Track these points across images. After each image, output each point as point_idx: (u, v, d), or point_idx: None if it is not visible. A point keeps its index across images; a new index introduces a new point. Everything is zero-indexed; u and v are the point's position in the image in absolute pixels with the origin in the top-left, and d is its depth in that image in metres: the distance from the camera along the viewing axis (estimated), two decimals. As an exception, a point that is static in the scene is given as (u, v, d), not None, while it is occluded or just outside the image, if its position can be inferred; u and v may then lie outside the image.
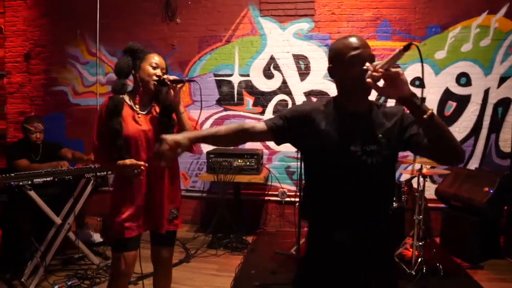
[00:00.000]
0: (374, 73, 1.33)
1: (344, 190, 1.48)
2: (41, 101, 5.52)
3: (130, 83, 2.17)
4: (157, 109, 2.19)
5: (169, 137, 1.44)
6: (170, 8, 5.02)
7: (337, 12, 4.67)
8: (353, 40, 1.48)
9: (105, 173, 3.45)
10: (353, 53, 1.44)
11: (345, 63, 1.46)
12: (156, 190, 2.16)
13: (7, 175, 2.95)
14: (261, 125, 1.56)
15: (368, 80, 1.34)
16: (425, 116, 1.31)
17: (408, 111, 1.43)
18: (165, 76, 2.09)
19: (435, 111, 1.29)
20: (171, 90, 2.07)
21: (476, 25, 4.43)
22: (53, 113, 5.46)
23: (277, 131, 1.54)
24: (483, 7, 4.40)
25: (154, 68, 2.11)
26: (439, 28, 4.50)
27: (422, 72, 1.36)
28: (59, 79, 5.44)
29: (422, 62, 1.33)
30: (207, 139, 1.56)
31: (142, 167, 2.04)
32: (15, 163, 3.57)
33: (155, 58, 2.14)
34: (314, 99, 4.74)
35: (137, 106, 2.16)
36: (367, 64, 1.37)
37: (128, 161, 2.03)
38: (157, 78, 2.09)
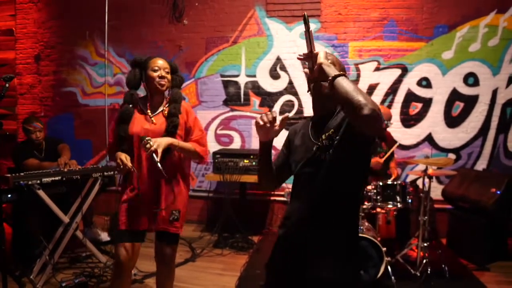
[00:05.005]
0: (300, 57, 1.49)
1: (303, 185, 1.59)
2: (50, 102, 5.61)
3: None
4: (166, 112, 2.35)
5: None
6: (178, 10, 5.07)
7: (343, 13, 4.66)
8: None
9: (112, 173, 3.50)
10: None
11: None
12: (153, 189, 2.29)
13: (17, 174, 3.01)
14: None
15: (305, 70, 1.49)
16: (330, 78, 1.35)
17: None
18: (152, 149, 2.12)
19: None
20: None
21: (484, 25, 4.40)
22: (63, 113, 5.55)
23: (287, 163, 1.73)
24: (491, 6, 4.36)
25: (156, 71, 2.29)
26: (447, 28, 4.47)
27: (310, 40, 1.41)
28: (68, 80, 5.52)
29: (309, 28, 1.38)
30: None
31: (127, 167, 2.19)
32: (24, 163, 3.60)
33: (156, 62, 2.31)
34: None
35: (148, 110, 2.36)
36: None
37: (122, 156, 2.22)
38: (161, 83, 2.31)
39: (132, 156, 2.28)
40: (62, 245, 3.25)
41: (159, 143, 2.14)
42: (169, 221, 2.31)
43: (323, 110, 1.63)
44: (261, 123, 1.54)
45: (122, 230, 2.28)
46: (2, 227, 2.17)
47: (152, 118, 2.33)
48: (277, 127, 1.57)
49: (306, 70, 1.51)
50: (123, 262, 2.25)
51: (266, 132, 1.57)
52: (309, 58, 1.45)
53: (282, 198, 4.85)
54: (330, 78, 1.34)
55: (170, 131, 2.27)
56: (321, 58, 1.41)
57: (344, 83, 1.32)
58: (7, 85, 2.13)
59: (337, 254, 1.53)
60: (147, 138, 2.12)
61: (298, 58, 1.52)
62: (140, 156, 2.28)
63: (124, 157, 2.22)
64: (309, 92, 1.65)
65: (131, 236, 2.29)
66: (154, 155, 2.11)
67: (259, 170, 1.74)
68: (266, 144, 1.63)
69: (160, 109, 2.37)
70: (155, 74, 2.28)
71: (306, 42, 1.42)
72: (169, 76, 2.34)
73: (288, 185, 4.79)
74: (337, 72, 1.35)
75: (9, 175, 2.96)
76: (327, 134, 1.55)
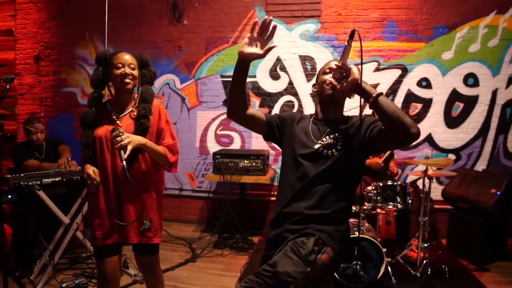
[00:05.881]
0: (333, 67, 1.59)
1: (300, 177, 1.69)
2: (50, 102, 5.61)
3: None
4: (135, 113, 2.15)
5: None
6: (178, 10, 5.06)
7: (343, 13, 4.67)
8: (332, 61, 1.73)
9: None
10: (327, 67, 1.73)
11: (319, 76, 1.79)
12: (123, 200, 2.12)
13: (17, 175, 3.01)
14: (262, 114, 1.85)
15: (330, 79, 1.64)
16: (373, 96, 1.49)
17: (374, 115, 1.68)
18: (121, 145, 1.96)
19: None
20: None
21: (484, 25, 4.40)
22: (63, 114, 5.55)
23: (272, 126, 1.83)
24: (491, 7, 4.36)
25: (119, 68, 2.08)
26: (446, 29, 4.47)
27: (361, 56, 1.65)
28: (68, 80, 5.52)
29: (361, 45, 1.58)
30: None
31: (95, 181, 2.05)
32: (25, 164, 3.61)
33: (119, 58, 2.10)
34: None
35: (112, 111, 2.17)
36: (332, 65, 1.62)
37: (89, 170, 2.06)
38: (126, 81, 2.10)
39: (96, 162, 2.13)
40: (63, 246, 3.26)
41: (132, 139, 1.97)
42: (140, 232, 2.15)
43: (330, 115, 1.76)
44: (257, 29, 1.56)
45: (99, 246, 2.14)
46: (2, 228, 2.17)
47: (117, 121, 2.11)
48: (261, 51, 1.56)
49: (330, 79, 1.65)
50: (109, 277, 2.17)
51: (252, 46, 1.57)
52: (340, 70, 1.57)
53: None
54: (373, 96, 1.49)
55: (139, 135, 2.07)
56: (356, 74, 1.53)
57: (388, 102, 1.49)
58: (8, 86, 2.13)
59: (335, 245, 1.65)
60: (119, 130, 1.97)
61: (331, 68, 1.61)
62: (105, 160, 2.10)
63: (92, 171, 2.06)
64: (316, 95, 1.81)
65: (110, 251, 2.16)
66: (122, 151, 1.95)
67: (231, 90, 1.72)
68: (245, 63, 1.61)
69: (129, 109, 2.18)
70: (118, 72, 2.07)
71: (343, 54, 1.55)
72: (135, 72, 2.12)
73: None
74: (377, 91, 1.50)
75: (9, 175, 2.96)
76: (332, 136, 1.69)
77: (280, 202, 1.75)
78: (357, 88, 1.54)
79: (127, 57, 2.11)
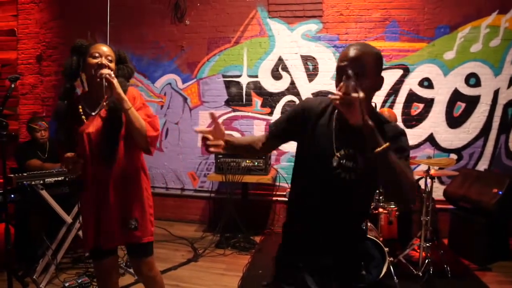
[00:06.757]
0: (333, 95, 1.28)
1: (318, 198, 1.53)
2: (52, 102, 5.60)
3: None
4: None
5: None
6: (179, 10, 5.07)
7: (345, 13, 4.67)
8: (347, 50, 1.42)
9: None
10: (339, 64, 1.43)
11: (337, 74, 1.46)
12: (104, 200, 2.00)
13: (20, 174, 3.02)
14: (263, 135, 1.68)
15: (332, 99, 1.28)
16: (382, 147, 1.26)
17: (403, 135, 1.44)
18: (102, 71, 1.86)
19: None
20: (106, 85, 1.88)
21: (485, 25, 4.40)
22: (65, 113, 5.55)
23: (278, 133, 1.65)
24: (493, 7, 4.36)
25: (95, 57, 1.94)
26: (448, 29, 4.47)
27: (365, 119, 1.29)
28: (70, 80, 5.51)
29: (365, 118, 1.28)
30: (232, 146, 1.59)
31: (72, 162, 1.93)
32: (28, 164, 3.63)
33: (97, 48, 1.97)
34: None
35: (82, 106, 2.02)
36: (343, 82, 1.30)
37: (68, 155, 1.94)
38: (100, 73, 1.89)
39: None
40: (65, 245, 3.27)
41: (117, 84, 1.86)
42: (125, 232, 2.04)
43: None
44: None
45: (92, 249, 2.07)
46: (7, 228, 2.17)
47: (87, 117, 1.92)
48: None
49: (336, 102, 1.27)
50: (105, 278, 2.16)
51: (355, 107, 1.24)
52: (345, 99, 1.26)
53: (284, 199, 4.85)
54: (383, 147, 1.26)
55: (110, 129, 1.93)
56: (359, 120, 1.25)
57: (395, 160, 1.28)
58: (13, 85, 2.13)
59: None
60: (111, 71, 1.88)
61: (331, 98, 1.29)
62: (84, 160, 1.97)
63: (70, 154, 1.93)
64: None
65: (102, 252, 2.07)
66: (105, 81, 1.84)
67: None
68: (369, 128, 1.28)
69: (99, 107, 2.02)
70: (94, 61, 1.92)
71: (347, 84, 1.26)
72: (112, 65, 1.98)
73: (290, 185, 4.78)
74: (385, 143, 1.27)
75: (12, 175, 2.97)
76: (350, 152, 1.46)
77: (297, 215, 1.66)
78: (363, 131, 1.29)
79: (104, 48, 1.99)
